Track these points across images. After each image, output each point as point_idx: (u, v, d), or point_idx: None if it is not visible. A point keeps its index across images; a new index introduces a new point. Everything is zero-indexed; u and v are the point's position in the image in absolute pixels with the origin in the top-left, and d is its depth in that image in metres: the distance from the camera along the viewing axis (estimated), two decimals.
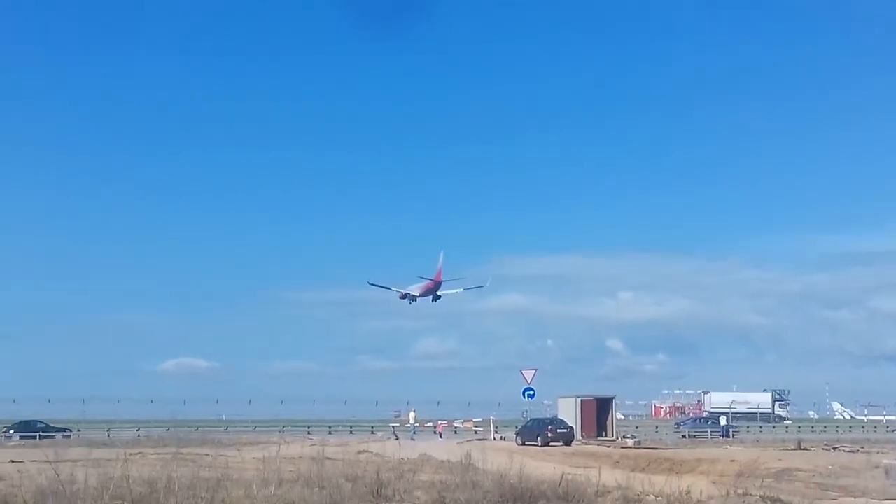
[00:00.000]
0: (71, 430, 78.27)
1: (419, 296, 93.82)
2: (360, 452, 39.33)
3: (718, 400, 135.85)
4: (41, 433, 73.39)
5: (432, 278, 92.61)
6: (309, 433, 76.51)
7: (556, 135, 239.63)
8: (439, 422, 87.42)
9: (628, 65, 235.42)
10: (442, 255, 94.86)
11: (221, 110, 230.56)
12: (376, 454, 37.25)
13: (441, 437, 76.16)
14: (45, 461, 22.60)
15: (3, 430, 77.80)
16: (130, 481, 18.28)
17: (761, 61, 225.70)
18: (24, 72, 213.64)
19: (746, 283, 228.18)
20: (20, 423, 79.47)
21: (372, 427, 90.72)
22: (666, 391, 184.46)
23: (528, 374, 68.69)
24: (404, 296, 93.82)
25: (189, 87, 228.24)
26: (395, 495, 17.93)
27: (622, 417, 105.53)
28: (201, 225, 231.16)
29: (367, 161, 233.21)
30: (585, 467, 30.35)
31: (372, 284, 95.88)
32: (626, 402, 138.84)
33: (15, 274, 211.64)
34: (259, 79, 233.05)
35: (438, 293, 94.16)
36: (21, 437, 71.20)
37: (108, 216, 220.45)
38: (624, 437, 70.73)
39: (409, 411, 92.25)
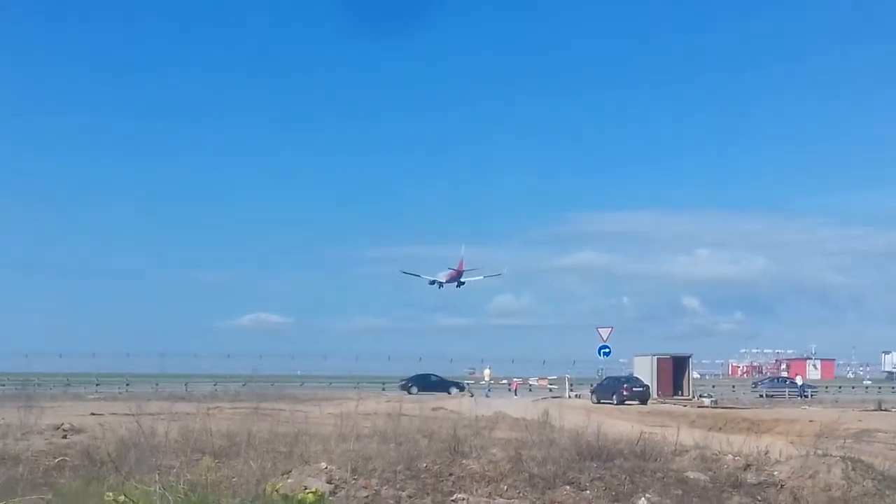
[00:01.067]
0: (464, 385, 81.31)
1: (446, 282, 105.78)
2: (435, 409, 39.51)
3: None
4: (436, 387, 77.16)
5: (456, 268, 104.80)
6: (384, 390, 77.09)
7: (629, 89, 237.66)
8: (514, 379, 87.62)
9: (702, 17, 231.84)
10: (463, 247, 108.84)
11: (286, 73, 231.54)
12: (451, 411, 37.46)
13: (515, 394, 76.35)
14: (126, 414, 23.02)
15: (402, 382, 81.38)
16: (211, 435, 18.57)
17: (842, 12, 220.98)
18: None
19: (825, 242, 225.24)
20: (416, 376, 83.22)
21: None
22: (743, 350, 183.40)
23: (604, 332, 68.58)
24: (433, 282, 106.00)
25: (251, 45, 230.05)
26: (471, 451, 17.94)
27: (698, 376, 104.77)
28: (276, 182, 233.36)
29: (439, 118, 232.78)
30: (662, 426, 30.20)
31: (404, 273, 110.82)
32: (703, 361, 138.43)
33: (95, 234, 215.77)
34: (314, 48, 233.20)
35: (462, 280, 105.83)
36: (419, 391, 74.35)
37: (184, 176, 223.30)
38: (700, 396, 70.33)
39: (483, 368, 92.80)
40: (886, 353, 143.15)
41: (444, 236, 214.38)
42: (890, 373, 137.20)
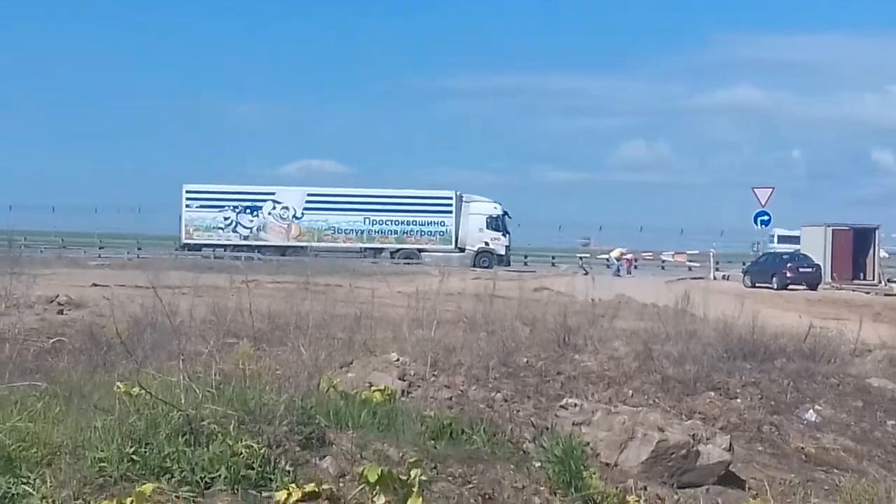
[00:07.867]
0: None
1: None
2: (537, 289, 39.56)
3: None
4: None
5: None
6: None
7: None
8: (632, 254, 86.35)
9: None
10: None
11: None
12: (559, 292, 37.49)
13: (629, 272, 75.94)
14: (138, 286, 23.40)
15: None
16: (249, 315, 18.69)
17: None
18: None
19: None
20: None
21: (553, 258, 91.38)
22: None
23: (763, 194, 68.01)
24: None
25: None
26: (586, 345, 17.98)
27: (887, 255, 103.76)
28: None
29: None
30: (836, 319, 30.01)
31: None
32: (893, 236, 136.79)
33: (95, 47, 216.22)
34: None
35: None
36: None
37: None
38: (889, 280, 69.81)
39: (613, 248, 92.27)
40: None
41: (557, 63, 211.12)
42: None
